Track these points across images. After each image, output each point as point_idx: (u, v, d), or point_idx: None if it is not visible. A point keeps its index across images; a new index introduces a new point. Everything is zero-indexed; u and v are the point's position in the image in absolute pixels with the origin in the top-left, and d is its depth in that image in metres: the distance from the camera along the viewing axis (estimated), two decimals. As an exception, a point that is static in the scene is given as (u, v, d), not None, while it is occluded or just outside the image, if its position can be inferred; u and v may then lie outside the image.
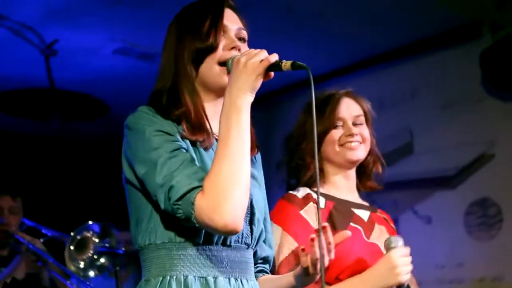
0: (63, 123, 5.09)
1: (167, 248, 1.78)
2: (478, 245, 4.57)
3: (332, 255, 1.79)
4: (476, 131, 4.68)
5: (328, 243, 1.78)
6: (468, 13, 4.55)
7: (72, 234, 3.85)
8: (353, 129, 2.45)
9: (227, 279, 1.81)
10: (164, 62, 1.93)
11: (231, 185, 1.68)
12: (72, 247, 3.82)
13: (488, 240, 4.55)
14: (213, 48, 1.85)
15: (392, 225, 2.60)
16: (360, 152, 2.45)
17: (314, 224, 2.32)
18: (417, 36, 4.84)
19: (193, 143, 1.83)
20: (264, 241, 1.99)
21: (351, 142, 2.43)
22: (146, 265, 1.82)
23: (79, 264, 3.83)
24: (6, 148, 5.99)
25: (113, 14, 4.24)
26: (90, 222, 3.91)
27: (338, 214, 2.41)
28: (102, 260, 3.90)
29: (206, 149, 1.84)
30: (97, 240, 3.88)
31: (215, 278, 1.79)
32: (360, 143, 2.45)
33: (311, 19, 4.49)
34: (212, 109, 1.90)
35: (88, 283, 3.83)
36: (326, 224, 1.77)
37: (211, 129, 1.88)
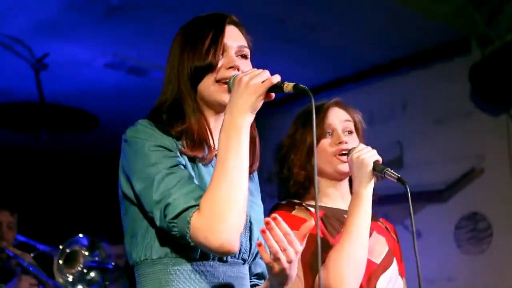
0: (53, 136, 5.07)
1: (163, 263, 1.77)
2: (468, 260, 4.60)
3: (286, 245, 1.72)
4: (465, 145, 4.70)
5: (286, 234, 1.71)
6: (457, 28, 4.58)
7: (61, 247, 3.82)
8: (342, 136, 2.41)
9: None
10: (167, 76, 1.91)
11: (228, 206, 1.66)
12: (61, 261, 3.80)
13: (478, 254, 4.58)
14: (212, 67, 1.83)
15: (394, 235, 2.57)
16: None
17: (307, 217, 2.30)
18: (407, 51, 4.88)
19: (192, 159, 1.81)
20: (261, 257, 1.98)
21: (341, 150, 2.38)
22: (142, 280, 1.80)
23: (68, 277, 3.80)
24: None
25: (103, 28, 4.24)
26: (80, 235, 3.88)
27: (328, 222, 2.38)
28: (92, 274, 3.87)
29: (205, 164, 1.83)
30: (86, 253, 3.85)
31: None
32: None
33: (301, 32, 4.52)
34: (213, 124, 1.88)
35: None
36: (276, 215, 1.71)
37: (214, 143, 1.86)
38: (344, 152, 2.38)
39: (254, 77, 1.73)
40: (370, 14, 4.31)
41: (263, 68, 1.74)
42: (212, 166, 1.80)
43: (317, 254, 1.73)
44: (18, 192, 5.00)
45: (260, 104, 1.75)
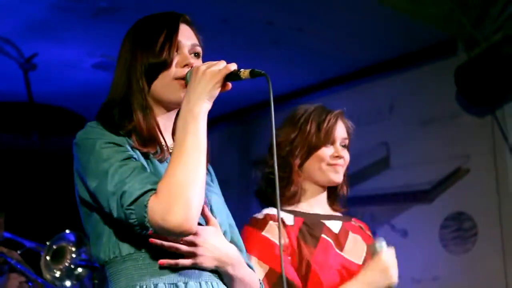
0: (42, 137, 5.05)
1: (133, 259, 1.76)
2: (453, 259, 4.60)
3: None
4: (451, 146, 4.71)
5: None
6: (444, 30, 4.61)
7: (48, 243, 3.80)
8: (340, 151, 2.47)
9: (198, 283, 1.78)
10: (118, 75, 1.91)
11: (185, 186, 1.66)
12: (48, 257, 3.76)
13: (463, 254, 4.59)
14: (166, 64, 1.84)
15: (369, 232, 2.61)
16: (341, 176, 2.49)
17: (277, 241, 2.33)
18: (393, 53, 4.89)
19: (146, 155, 1.81)
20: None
21: (336, 164, 2.45)
22: (114, 278, 1.79)
23: (55, 273, 3.78)
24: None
25: (92, 29, 4.24)
26: (67, 231, 3.86)
27: (308, 229, 2.41)
28: (80, 270, 3.85)
29: (160, 161, 1.83)
30: (73, 249, 3.83)
31: (186, 283, 1.76)
32: (342, 166, 2.48)
33: (290, 34, 4.52)
34: (164, 122, 1.89)
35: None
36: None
37: (165, 142, 1.86)
38: (338, 166, 2.44)
39: (212, 65, 1.76)
40: (357, 16, 4.33)
41: None
42: (167, 162, 1.78)
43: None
44: (6, 191, 4.97)
45: (217, 92, 1.76)
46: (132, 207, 1.65)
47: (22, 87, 4.65)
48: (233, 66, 1.76)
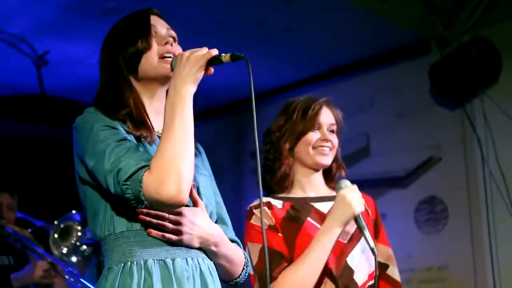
0: (52, 126, 5.08)
1: (125, 236, 1.76)
2: (426, 239, 4.63)
3: None
4: (425, 136, 4.72)
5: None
6: (418, 31, 4.61)
7: (56, 222, 3.81)
8: (327, 135, 2.43)
9: (185, 260, 1.78)
10: (103, 73, 1.92)
11: (176, 160, 1.66)
12: (56, 235, 3.76)
13: (435, 234, 4.61)
14: (146, 48, 1.85)
15: (369, 209, 2.51)
16: (329, 158, 2.43)
17: (265, 224, 2.34)
18: (373, 51, 4.90)
19: (138, 139, 1.81)
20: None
21: (323, 147, 2.41)
22: (108, 254, 1.79)
23: (62, 249, 3.78)
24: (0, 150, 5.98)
25: (99, 28, 4.22)
26: (73, 212, 3.88)
27: (295, 212, 2.39)
28: (84, 247, 3.85)
29: (150, 143, 1.83)
30: (79, 228, 3.83)
31: (173, 259, 1.76)
32: (330, 149, 2.43)
33: (280, 33, 4.51)
34: (157, 106, 1.89)
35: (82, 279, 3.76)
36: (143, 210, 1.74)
37: (152, 126, 1.86)
38: (325, 148, 2.41)
39: (195, 52, 1.76)
40: (342, 19, 4.35)
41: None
42: (156, 145, 1.80)
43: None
44: (19, 176, 5.01)
45: (201, 75, 1.76)
46: (127, 182, 1.65)
47: (35, 82, 4.66)
48: (215, 52, 1.76)
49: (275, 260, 2.30)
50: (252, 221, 2.38)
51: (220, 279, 1.90)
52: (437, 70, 4.51)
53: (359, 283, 2.35)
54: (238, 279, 1.96)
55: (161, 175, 1.64)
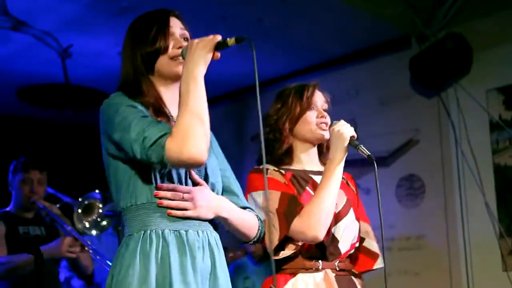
0: (76, 112, 5.08)
1: (145, 208, 1.78)
2: (405, 211, 4.65)
3: None
4: (405, 121, 4.72)
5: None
6: (400, 27, 4.58)
7: (80, 199, 3.84)
8: (323, 112, 2.44)
9: (196, 232, 1.81)
10: (124, 64, 1.94)
11: (194, 126, 1.68)
12: (79, 210, 3.78)
13: (413, 207, 4.62)
14: (162, 50, 1.87)
15: (352, 186, 2.56)
16: (328, 133, 2.40)
17: (278, 179, 2.35)
18: (359, 46, 4.86)
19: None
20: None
21: (323, 123, 2.40)
22: (129, 223, 1.80)
23: (85, 224, 3.80)
24: (30, 132, 5.97)
25: (116, 24, 4.21)
26: (96, 191, 3.90)
27: (295, 181, 2.39)
28: (104, 222, 3.87)
29: None
30: (100, 205, 3.85)
31: (186, 231, 1.79)
32: (326, 125, 2.42)
33: (277, 29, 4.48)
34: (170, 95, 1.90)
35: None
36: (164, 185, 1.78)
37: (170, 114, 1.88)
38: (324, 124, 2.41)
39: (203, 38, 1.79)
40: (332, 16, 4.30)
41: None
42: None
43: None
44: (48, 156, 5.01)
45: (209, 57, 1.77)
46: (152, 147, 1.66)
47: (60, 72, 4.63)
48: (219, 37, 1.78)
49: (296, 202, 2.30)
50: (269, 175, 2.35)
51: (239, 242, 1.96)
52: (416, 63, 4.49)
53: (342, 251, 2.37)
54: (255, 238, 1.97)
55: (181, 139, 1.66)
